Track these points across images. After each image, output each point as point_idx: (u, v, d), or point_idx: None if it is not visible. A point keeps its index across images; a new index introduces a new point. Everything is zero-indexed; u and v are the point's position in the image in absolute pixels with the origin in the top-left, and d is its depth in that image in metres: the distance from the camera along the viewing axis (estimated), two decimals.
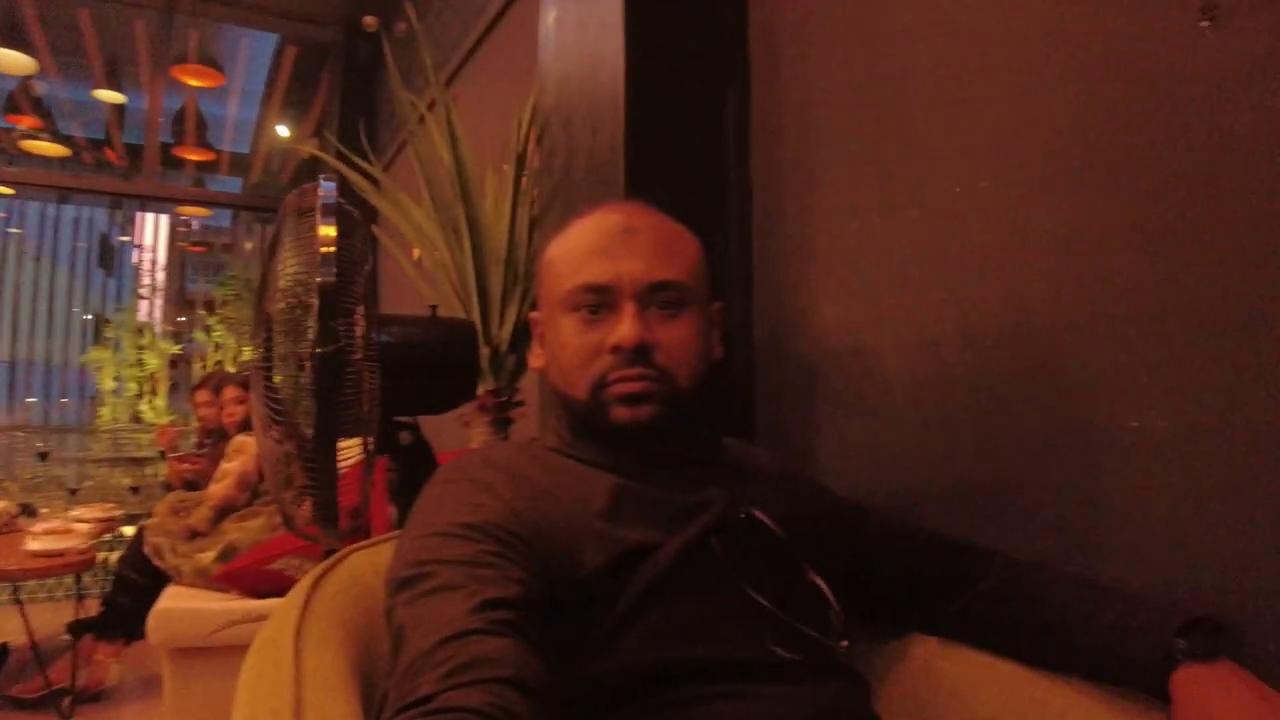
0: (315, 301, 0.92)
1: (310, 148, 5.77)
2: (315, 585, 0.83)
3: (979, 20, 1.03)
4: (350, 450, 1.02)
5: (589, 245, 0.83)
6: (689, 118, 1.32)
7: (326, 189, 1.01)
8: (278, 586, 1.97)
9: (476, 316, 1.56)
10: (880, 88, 1.16)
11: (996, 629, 0.85)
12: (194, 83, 5.18)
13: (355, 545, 0.91)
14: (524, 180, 1.63)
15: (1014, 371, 0.97)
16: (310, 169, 6.32)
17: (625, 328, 0.78)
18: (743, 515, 0.79)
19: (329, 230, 0.94)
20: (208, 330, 6.82)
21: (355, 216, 1.03)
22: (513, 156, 1.63)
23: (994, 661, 0.84)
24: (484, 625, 0.56)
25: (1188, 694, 0.68)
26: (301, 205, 1.07)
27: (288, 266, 0.99)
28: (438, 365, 1.18)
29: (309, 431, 0.94)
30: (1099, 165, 0.89)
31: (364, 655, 0.79)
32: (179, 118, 6.60)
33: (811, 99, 1.27)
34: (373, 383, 1.01)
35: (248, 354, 5.74)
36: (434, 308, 1.23)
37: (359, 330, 0.99)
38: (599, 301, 0.81)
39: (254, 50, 6.21)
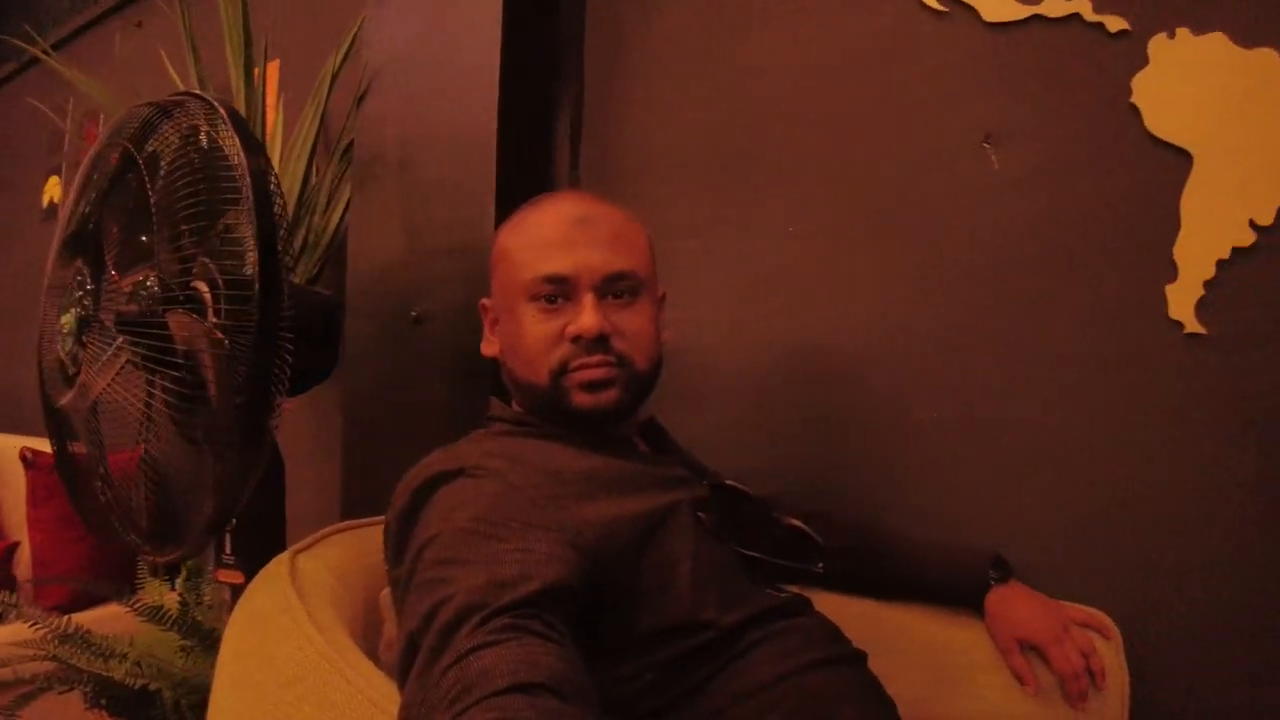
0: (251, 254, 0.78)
1: None
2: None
3: (814, 95, 1.27)
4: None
5: (546, 235, 0.86)
6: (521, 118, 1.35)
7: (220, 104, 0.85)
8: None
9: None
10: (720, 119, 1.35)
11: (850, 579, 1.09)
12: None
13: (297, 548, 0.81)
14: (321, 133, 1.46)
15: (835, 374, 1.24)
16: None
17: (586, 318, 0.82)
18: (713, 486, 0.90)
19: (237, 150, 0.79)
20: None
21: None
22: (318, 105, 1.44)
23: (851, 600, 1.08)
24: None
25: (999, 607, 0.99)
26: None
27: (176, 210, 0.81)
28: (302, 342, 1.04)
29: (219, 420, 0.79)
30: (901, 226, 1.19)
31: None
32: None
33: (652, 115, 1.40)
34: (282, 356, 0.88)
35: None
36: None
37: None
38: (557, 291, 0.84)
39: None
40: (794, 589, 0.89)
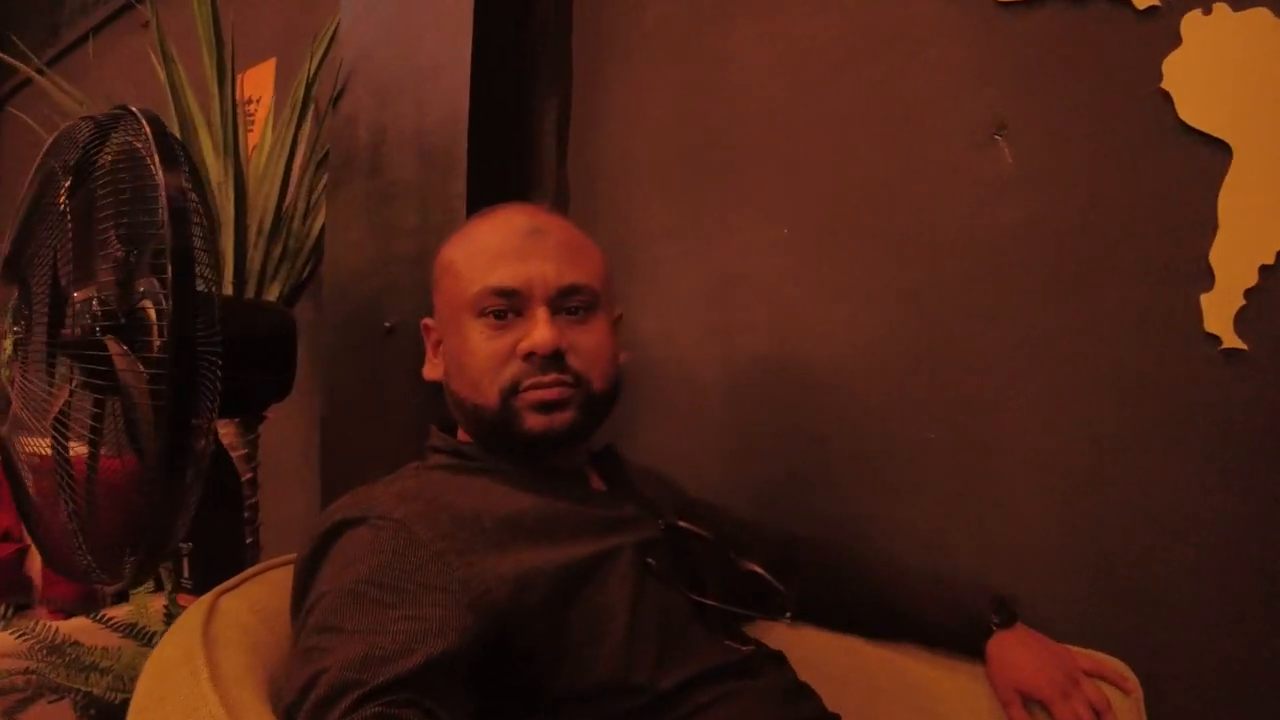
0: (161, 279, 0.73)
1: None
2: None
3: (801, 89, 1.18)
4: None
5: (494, 247, 0.80)
6: (496, 117, 1.29)
7: (147, 118, 0.80)
8: None
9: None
10: (707, 115, 1.26)
11: (834, 614, 1.00)
12: None
13: (222, 588, 0.77)
14: (301, 137, 1.42)
15: (819, 387, 1.15)
16: None
17: (540, 332, 0.76)
18: (665, 527, 0.83)
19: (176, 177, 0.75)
20: None
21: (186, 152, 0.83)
22: (294, 107, 1.40)
23: (834, 637, 0.99)
24: None
25: (1000, 654, 0.88)
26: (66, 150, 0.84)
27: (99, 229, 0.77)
28: (248, 361, 1.01)
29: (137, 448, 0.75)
30: (898, 228, 1.09)
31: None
32: None
33: (634, 120, 1.34)
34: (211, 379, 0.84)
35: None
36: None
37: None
38: (507, 306, 0.78)
39: None
40: (767, 632, 0.81)
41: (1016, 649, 0.88)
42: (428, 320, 0.88)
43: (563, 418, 0.78)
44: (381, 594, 0.60)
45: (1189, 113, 0.90)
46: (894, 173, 1.10)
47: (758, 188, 1.21)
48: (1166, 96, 0.90)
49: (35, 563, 1.97)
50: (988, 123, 1.02)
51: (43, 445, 0.90)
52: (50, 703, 1.32)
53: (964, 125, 1.04)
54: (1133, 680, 0.87)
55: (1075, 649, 0.90)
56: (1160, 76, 0.91)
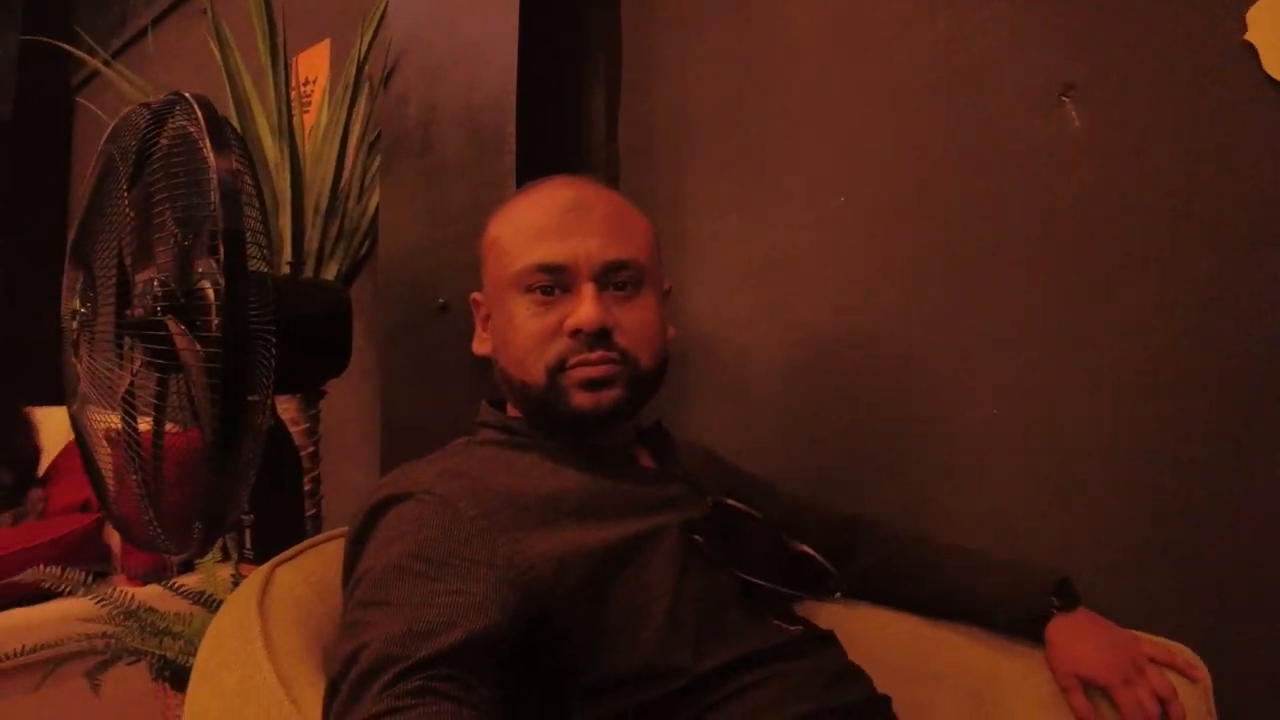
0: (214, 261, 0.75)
1: None
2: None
3: (857, 55, 1.13)
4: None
5: (539, 222, 0.79)
6: (545, 92, 1.27)
7: (199, 103, 0.82)
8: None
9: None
10: (758, 91, 1.23)
11: (893, 593, 0.98)
12: None
13: (278, 559, 0.79)
14: (356, 117, 1.43)
15: (879, 366, 1.12)
16: None
17: (586, 309, 0.75)
18: (713, 505, 0.82)
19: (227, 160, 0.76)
20: None
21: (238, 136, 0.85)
22: (345, 87, 1.42)
23: (893, 617, 0.97)
24: (392, 706, 0.51)
25: (1060, 638, 0.85)
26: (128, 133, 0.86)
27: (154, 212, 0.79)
28: (304, 339, 1.03)
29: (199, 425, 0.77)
30: (958, 199, 1.04)
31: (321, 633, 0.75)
32: None
33: (685, 90, 1.31)
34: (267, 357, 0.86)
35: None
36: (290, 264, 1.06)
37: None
38: (553, 282, 0.77)
39: None
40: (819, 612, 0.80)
41: (1078, 633, 0.85)
42: (477, 295, 0.87)
43: (609, 395, 0.77)
44: (425, 568, 0.61)
45: (1276, 66, 0.83)
46: (953, 140, 1.05)
47: (812, 157, 1.18)
48: (1251, 50, 0.84)
49: (114, 532, 2.07)
50: (1054, 84, 0.97)
51: (112, 419, 0.94)
52: (128, 664, 1.39)
53: (1028, 88, 0.99)
54: (1201, 669, 0.83)
55: (1141, 635, 0.86)
56: (1244, 28, 0.84)
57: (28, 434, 2.13)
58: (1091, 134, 0.95)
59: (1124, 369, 0.93)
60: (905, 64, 1.09)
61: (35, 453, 2.13)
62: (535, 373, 0.77)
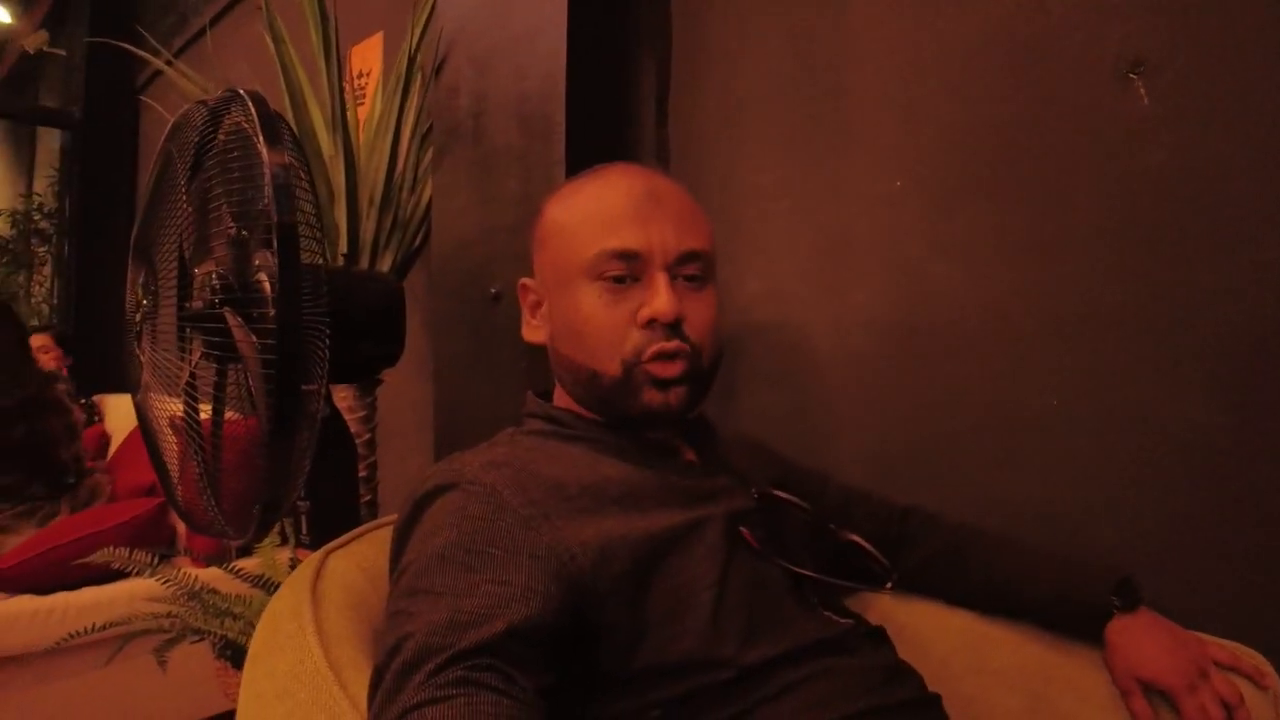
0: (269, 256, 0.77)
1: (36, 41, 4.52)
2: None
3: (919, 28, 1.10)
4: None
5: (613, 208, 0.77)
6: (594, 78, 1.27)
7: (252, 99, 0.83)
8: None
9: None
10: (813, 73, 1.20)
11: (946, 587, 0.96)
12: None
13: (331, 546, 0.80)
14: (408, 109, 1.45)
15: (941, 353, 1.09)
16: (33, 69, 5.04)
17: (663, 299, 0.74)
18: (760, 496, 0.81)
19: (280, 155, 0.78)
20: None
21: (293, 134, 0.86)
22: (397, 78, 1.43)
23: (947, 611, 0.95)
24: (433, 696, 0.51)
25: (1120, 639, 0.82)
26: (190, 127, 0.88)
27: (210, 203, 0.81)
28: (358, 329, 1.05)
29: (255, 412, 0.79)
30: (1022, 179, 1.01)
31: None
32: None
33: (737, 71, 1.28)
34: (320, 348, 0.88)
35: None
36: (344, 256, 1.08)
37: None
38: (626, 271, 0.75)
39: None
40: (870, 606, 0.78)
41: (1139, 634, 0.81)
42: (526, 280, 0.87)
43: (678, 393, 0.76)
44: (469, 558, 0.61)
45: None
46: (1018, 117, 1.01)
47: (870, 136, 1.15)
48: None
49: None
50: (1122, 59, 0.93)
51: (174, 407, 0.97)
52: (192, 643, 1.44)
53: (1095, 63, 0.95)
54: (1271, 675, 0.79)
55: (1208, 637, 0.82)
56: None
57: (69, 442, 2.20)
58: (1160, 110, 0.91)
59: (1199, 354, 0.89)
60: (969, 38, 1.05)
61: (76, 460, 2.21)
62: (610, 364, 0.76)
